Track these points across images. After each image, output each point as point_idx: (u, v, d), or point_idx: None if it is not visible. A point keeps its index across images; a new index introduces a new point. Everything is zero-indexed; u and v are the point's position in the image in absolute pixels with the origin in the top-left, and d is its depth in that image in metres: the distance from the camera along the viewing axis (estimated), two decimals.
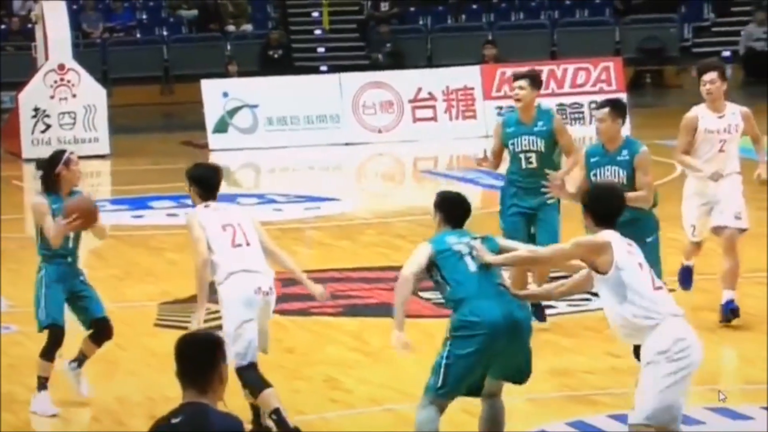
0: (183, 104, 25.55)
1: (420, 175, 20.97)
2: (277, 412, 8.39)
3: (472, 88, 22.95)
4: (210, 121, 22.58)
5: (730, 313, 10.78)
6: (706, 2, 29.23)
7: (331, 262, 13.66)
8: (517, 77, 11.18)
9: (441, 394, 7.61)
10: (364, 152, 22.21)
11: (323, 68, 27.63)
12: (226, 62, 25.65)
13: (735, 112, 11.03)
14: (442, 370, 7.56)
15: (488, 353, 7.55)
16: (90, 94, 21.98)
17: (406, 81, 23.12)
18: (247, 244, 8.59)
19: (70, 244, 9.39)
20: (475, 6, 29.20)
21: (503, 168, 11.27)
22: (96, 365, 9.64)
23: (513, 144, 10.96)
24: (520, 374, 7.80)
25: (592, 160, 10.05)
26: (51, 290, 9.29)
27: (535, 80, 11.12)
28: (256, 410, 8.61)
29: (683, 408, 7.31)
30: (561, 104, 22.84)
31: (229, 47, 27.84)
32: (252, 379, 8.46)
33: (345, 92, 22.91)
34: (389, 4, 29.05)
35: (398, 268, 12.91)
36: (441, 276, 7.74)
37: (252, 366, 8.46)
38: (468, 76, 23.10)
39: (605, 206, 7.55)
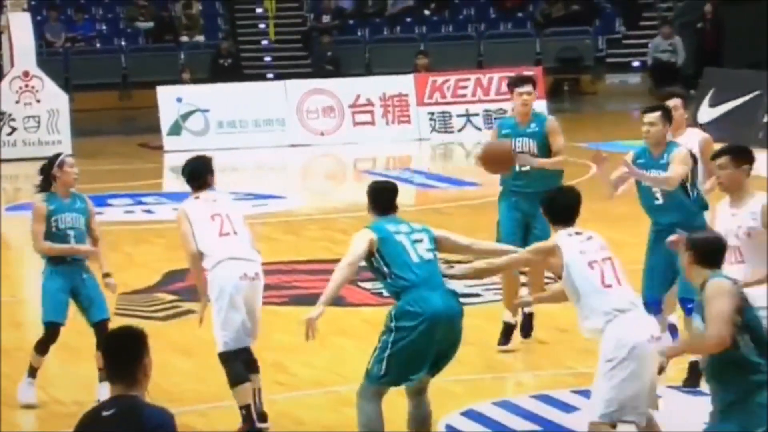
0: (140, 109, 25.36)
1: (360, 175, 20.93)
2: (247, 408, 8.22)
3: (407, 95, 22.94)
4: (165, 125, 22.43)
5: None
6: (618, 17, 29.39)
7: (277, 256, 13.58)
8: (518, 83, 10.28)
9: (384, 382, 7.37)
10: (307, 153, 22.15)
11: (269, 76, 27.54)
12: (180, 70, 25.45)
13: (693, 138, 9.92)
14: (385, 359, 7.28)
15: (427, 343, 7.28)
16: (53, 99, 21.77)
17: (346, 88, 23.06)
18: (235, 233, 8.36)
19: (71, 242, 9.10)
20: (408, 19, 29.20)
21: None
22: (59, 352, 9.52)
23: None
24: (438, 367, 7.49)
25: (639, 161, 9.18)
26: (50, 289, 9.05)
27: (535, 85, 10.41)
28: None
29: (642, 400, 7.01)
30: (487, 110, 22.92)
31: (182, 56, 27.66)
32: (232, 367, 8.25)
33: (290, 98, 22.84)
34: (330, 17, 29.00)
35: (339, 261, 13.01)
36: (384, 264, 7.41)
37: (235, 354, 8.24)
38: (403, 83, 23.09)
39: (558, 207, 7.32)
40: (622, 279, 7.15)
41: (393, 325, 7.34)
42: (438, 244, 7.59)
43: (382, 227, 7.54)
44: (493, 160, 9.33)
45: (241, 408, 8.26)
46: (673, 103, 9.94)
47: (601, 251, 7.16)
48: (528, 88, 10.19)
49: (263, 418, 8.45)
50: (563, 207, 7.34)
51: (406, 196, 18.40)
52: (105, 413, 4.88)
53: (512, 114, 10.37)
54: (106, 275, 9.25)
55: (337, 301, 11.56)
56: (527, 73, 23.31)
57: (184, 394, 9.25)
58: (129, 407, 4.86)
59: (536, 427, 8.56)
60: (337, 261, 13.58)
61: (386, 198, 7.71)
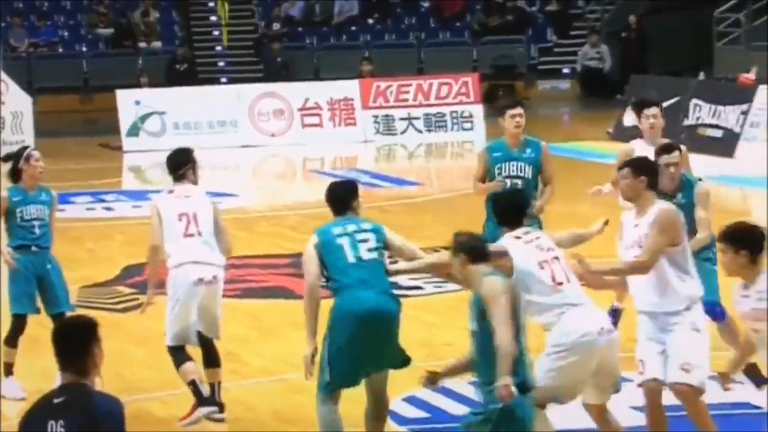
0: (100, 111, 25.18)
1: (308, 174, 20.94)
2: (192, 383, 8.25)
3: (352, 99, 22.93)
4: (124, 126, 22.31)
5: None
6: (549, 26, 29.54)
7: None
8: (510, 106, 9.64)
9: (331, 389, 7.23)
10: (259, 154, 22.09)
11: (223, 80, 27.44)
12: (138, 74, 25.38)
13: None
14: (326, 367, 7.14)
15: (363, 342, 7.10)
16: (17, 101, 21.53)
17: (296, 92, 22.99)
18: (199, 234, 8.23)
19: (36, 233, 9.01)
20: (354, 28, 29.20)
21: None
22: (21, 342, 9.44)
23: (500, 169, 9.42)
24: (399, 360, 7.36)
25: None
26: (15, 280, 8.95)
27: (525, 108, 9.74)
28: (211, 386, 8.43)
29: (574, 391, 6.97)
30: (427, 114, 22.98)
31: (140, 61, 27.50)
32: (177, 355, 8.31)
33: (242, 101, 22.76)
34: (280, 25, 28.94)
35: (290, 256, 13.04)
36: (324, 267, 7.25)
37: (180, 348, 8.28)
38: (348, 88, 23.08)
39: (504, 210, 7.14)
40: (571, 276, 7.03)
41: (329, 328, 7.22)
42: (388, 246, 7.40)
43: (327, 230, 7.38)
44: None
45: (188, 385, 8.27)
46: (653, 111, 9.43)
47: (549, 251, 7.02)
48: (520, 110, 9.54)
49: (221, 408, 8.44)
50: (509, 210, 7.18)
51: None
52: (56, 400, 4.80)
53: (503, 137, 9.59)
54: None
55: (287, 294, 11.63)
56: (464, 79, 23.53)
57: (143, 382, 9.21)
58: (78, 395, 4.78)
59: None
60: (286, 256, 13.64)
61: (338, 199, 7.52)
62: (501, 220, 7.18)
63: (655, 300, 7.21)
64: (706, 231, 8.60)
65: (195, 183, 8.59)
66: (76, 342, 4.84)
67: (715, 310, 8.84)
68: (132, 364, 9.62)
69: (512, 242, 7.04)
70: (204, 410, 8.27)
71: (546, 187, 9.51)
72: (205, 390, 8.32)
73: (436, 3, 29.51)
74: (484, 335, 6.33)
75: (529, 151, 9.49)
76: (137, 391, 8.75)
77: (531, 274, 6.93)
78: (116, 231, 15.23)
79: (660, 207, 7.26)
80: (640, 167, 7.39)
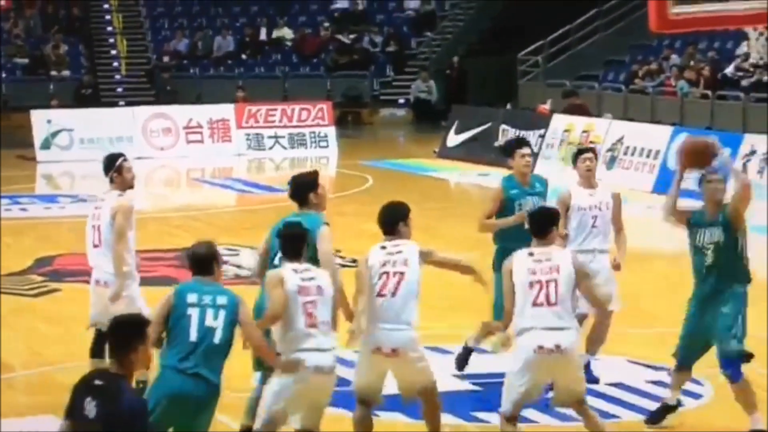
0: (17, 128, 24.42)
1: (191, 182, 20.70)
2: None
3: (229, 120, 22.75)
4: (38, 141, 21.68)
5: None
6: (388, 64, 29.74)
7: None
8: (520, 145, 8.26)
9: None
10: (150, 164, 21.69)
11: (121, 103, 26.91)
12: (50, 98, 24.74)
13: (606, 191, 8.28)
14: None
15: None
16: None
17: (182, 113, 22.66)
18: (100, 244, 7.98)
19: None
20: (230, 61, 28.95)
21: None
22: None
23: (519, 205, 8.02)
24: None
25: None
26: None
27: (532, 149, 8.47)
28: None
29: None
30: (291, 133, 22.96)
31: (52, 86, 26.78)
32: (92, 348, 7.97)
33: (137, 120, 22.37)
34: (169, 58, 28.55)
35: (174, 250, 12.83)
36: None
37: (100, 339, 7.90)
38: (225, 111, 22.87)
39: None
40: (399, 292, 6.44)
41: None
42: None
43: (276, 228, 6.73)
44: (693, 153, 6.99)
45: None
46: (588, 155, 8.30)
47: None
48: (528, 150, 8.24)
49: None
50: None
51: (228, 200, 18.28)
52: (96, 382, 4.59)
53: (513, 173, 8.21)
54: None
55: (172, 282, 11.32)
56: (320, 105, 23.53)
57: (52, 355, 8.95)
58: (114, 385, 4.55)
59: None
60: (172, 250, 13.42)
61: (294, 192, 6.89)
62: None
63: None
64: None
65: (122, 185, 8.14)
66: (122, 336, 4.62)
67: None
68: (41, 339, 9.34)
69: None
70: None
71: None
72: None
73: (297, 43, 29.49)
74: None
75: (537, 185, 8.21)
76: (46, 363, 8.49)
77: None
78: (30, 228, 14.84)
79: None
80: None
